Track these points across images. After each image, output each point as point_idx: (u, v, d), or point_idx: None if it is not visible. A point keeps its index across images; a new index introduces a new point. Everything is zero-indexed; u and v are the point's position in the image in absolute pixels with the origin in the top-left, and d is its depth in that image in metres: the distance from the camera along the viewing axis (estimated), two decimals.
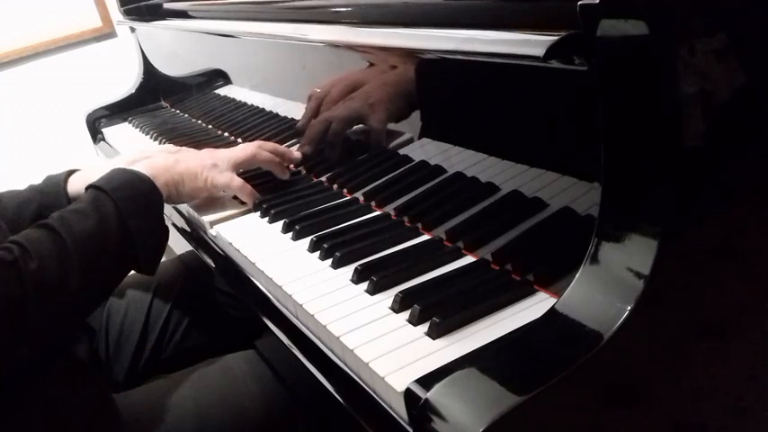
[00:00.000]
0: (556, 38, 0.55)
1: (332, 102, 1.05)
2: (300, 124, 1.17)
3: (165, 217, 0.94)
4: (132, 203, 0.87)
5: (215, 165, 1.03)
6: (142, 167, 0.95)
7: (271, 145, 1.12)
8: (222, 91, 1.54)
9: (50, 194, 1.10)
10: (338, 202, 1.01)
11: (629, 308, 0.53)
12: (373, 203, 0.97)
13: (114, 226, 0.84)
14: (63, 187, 1.11)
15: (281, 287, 0.81)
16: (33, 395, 0.80)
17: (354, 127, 1.01)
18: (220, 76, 1.52)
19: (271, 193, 1.09)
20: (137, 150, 1.24)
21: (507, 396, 0.52)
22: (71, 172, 1.15)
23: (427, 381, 0.57)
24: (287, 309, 0.82)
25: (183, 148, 1.22)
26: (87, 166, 1.21)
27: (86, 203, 0.86)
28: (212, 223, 1.04)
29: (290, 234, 0.94)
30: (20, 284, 0.73)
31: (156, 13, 1.76)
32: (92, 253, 0.81)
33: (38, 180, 1.14)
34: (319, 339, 0.74)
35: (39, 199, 1.10)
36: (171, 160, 1.01)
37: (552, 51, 0.55)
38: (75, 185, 1.12)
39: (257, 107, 1.37)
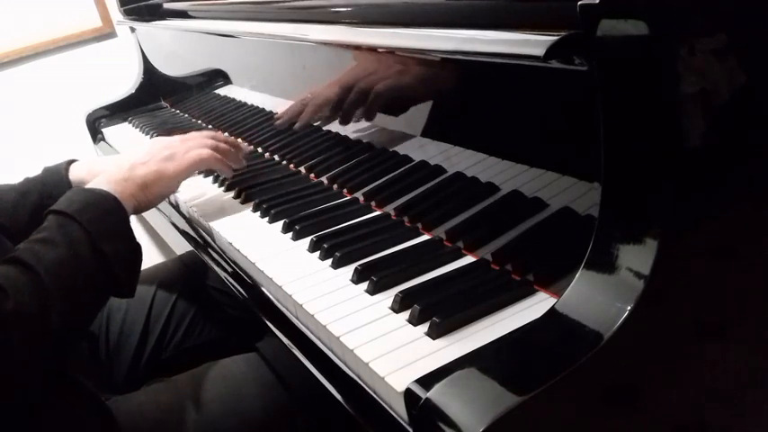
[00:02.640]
0: (556, 38, 0.55)
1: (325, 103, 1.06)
2: (281, 122, 1.19)
3: (165, 214, 0.91)
4: (101, 224, 0.82)
5: (171, 156, 0.99)
6: (100, 184, 0.90)
7: (222, 137, 1.10)
8: (222, 91, 1.54)
9: (52, 184, 1.10)
10: (338, 202, 1.01)
11: (629, 308, 0.53)
12: (373, 203, 0.97)
13: (87, 251, 0.79)
14: (65, 175, 1.11)
15: (280, 287, 0.81)
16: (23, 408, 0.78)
17: (356, 125, 1.01)
18: (220, 76, 1.52)
19: (271, 193, 1.09)
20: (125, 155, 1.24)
21: (507, 396, 0.52)
22: (71, 161, 1.15)
23: (427, 381, 0.57)
24: (287, 309, 0.82)
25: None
26: (93, 159, 1.21)
27: (52, 231, 0.80)
28: (211, 222, 1.04)
29: (290, 234, 0.94)
30: None
31: (156, 13, 1.76)
32: (68, 282, 0.76)
33: None
34: (319, 339, 0.74)
35: (39, 189, 1.09)
36: (126, 168, 0.95)
37: (552, 51, 0.55)
38: (78, 174, 1.12)
39: (257, 107, 1.37)
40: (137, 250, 0.87)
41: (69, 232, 0.79)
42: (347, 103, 0.98)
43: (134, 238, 0.87)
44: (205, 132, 1.12)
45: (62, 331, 0.76)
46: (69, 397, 0.85)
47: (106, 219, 0.84)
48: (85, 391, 0.88)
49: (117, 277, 0.82)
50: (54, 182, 1.10)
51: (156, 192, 0.96)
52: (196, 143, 1.04)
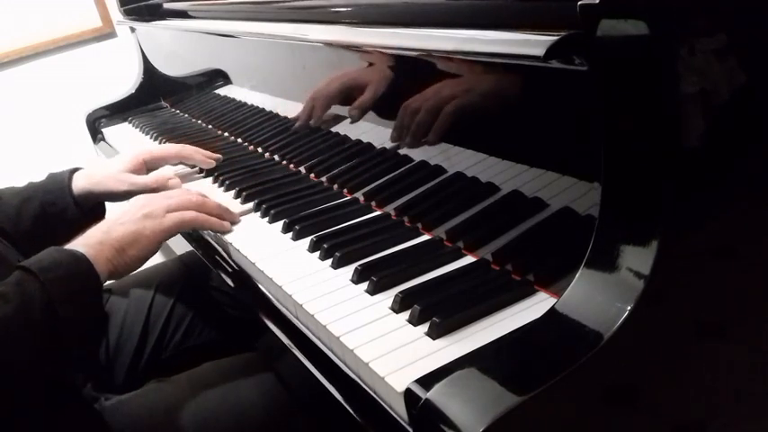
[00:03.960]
0: (556, 38, 0.55)
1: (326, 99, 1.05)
2: (299, 124, 1.18)
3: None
4: (64, 286, 0.76)
5: (149, 214, 0.91)
6: (77, 245, 0.84)
7: (211, 203, 1.01)
8: (222, 91, 1.54)
9: (54, 192, 1.10)
10: (338, 202, 1.01)
11: (629, 308, 0.53)
12: (373, 203, 0.97)
13: (38, 312, 0.74)
14: (67, 184, 1.11)
15: (281, 287, 0.81)
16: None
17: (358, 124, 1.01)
18: (220, 76, 1.52)
19: (271, 193, 1.09)
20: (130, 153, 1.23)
21: (507, 396, 0.52)
22: (75, 170, 1.15)
23: (427, 381, 0.57)
24: (287, 309, 0.82)
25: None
26: (91, 165, 1.21)
27: (9, 286, 0.75)
28: None
29: (290, 234, 0.94)
30: None
31: (156, 13, 1.76)
32: (9, 341, 0.72)
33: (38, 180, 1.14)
34: (319, 340, 0.74)
35: (41, 197, 1.09)
36: (102, 230, 0.88)
37: (552, 51, 0.55)
38: (79, 182, 1.12)
39: (257, 107, 1.37)
40: (99, 320, 0.82)
41: (26, 290, 0.75)
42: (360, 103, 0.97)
43: (101, 307, 0.82)
44: (194, 192, 1.02)
45: None
46: (57, 403, 0.84)
47: (72, 281, 0.78)
48: (75, 394, 0.87)
49: (65, 345, 0.77)
50: (56, 190, 1.10)
51: (133, 255, 0.88)
52: (178, 202, 0.96)
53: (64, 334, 0.76)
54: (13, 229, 1.06)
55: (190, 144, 1.33)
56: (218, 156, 1.29)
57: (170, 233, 0.94)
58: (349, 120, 1.02)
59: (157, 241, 0.92)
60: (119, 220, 0.91)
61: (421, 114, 0.84)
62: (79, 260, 0.81)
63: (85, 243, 0.85)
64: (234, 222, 1.02)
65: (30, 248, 0.81)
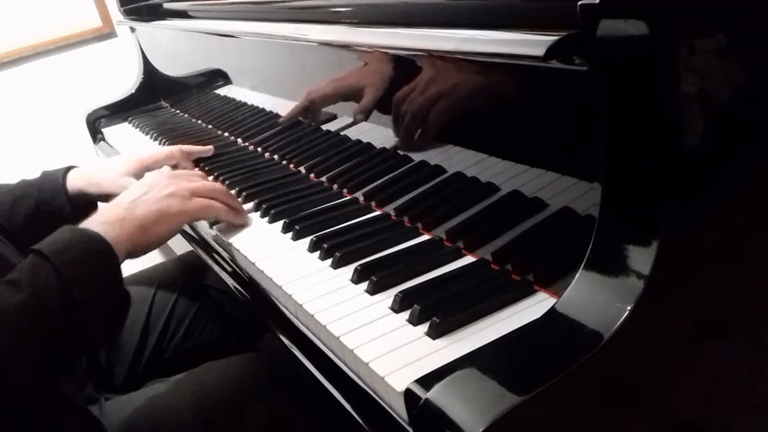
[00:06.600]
0: (556, 38, 0.55)
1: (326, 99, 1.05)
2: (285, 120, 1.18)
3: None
4: (79, 268, 0.73)
5: (174, 193, 0.88)
6: (92, 224, 0.80)
7: (231, 199, 1.00)
8: (222, 91, 1.54)
9: (48, 191, 1.09)
10: (338, 202, 1.01)
11: (629, 308, 0.53)
12: (373, 203, 0.97)
13: (54, 297, 0.70)
14: (62, 183, 1.10)
15: (280, 287, 0.81)
16: None
17: (358, 125, 1.01)
18: (220, 76, 1.52)
19: (271, 192, 1.09)
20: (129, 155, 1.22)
21: (507, 396, 0.52)
22: (69, 168, 1.14)
23: (427, 381, 0.57)
24: (287, 309, 0.82)
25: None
26: (89, 165, 1.20)
27: (22, 272, 0.73)
28: (212, 223, 1.04)
29: (290, 234, 0.94)
30: None
31: (156, 13, 1.76)
32: (21, 332, 0.69)
33: None
34: (319, 339, 0.74)
35: (36, 195, 1.08)
36: (124, 206, 0.85)
37: (552, 51, 0.55)
38: (74, 182, 1.11)
39: (257, 107, 1.37)
40: (121, 299, 0.79)
41: (39, 275, 0.72)
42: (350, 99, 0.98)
43: (121, 285, 0.78)
44: (215, 184, 1.02)
45: (9, 380, 0.70)
46: (51, 407, 0.83)
47: (87, 263, 0.75)
48: (67, 400, 0.87)
49: (84, 328, 0.73)
50: (51, 189, 1.09)
51: (156, 232, 0.85)
52: (203, 188, 0.94)
53: (83, 319, 0.73)
54: (8, 225, 1.05)
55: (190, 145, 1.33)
56: (210, 147, 1.31)
57: (194, 218, 0.92)
58: (348, 119, 1.02)
59: (181, 222, 0.90)
60: (141, 197, 0.87)
61: (420, 114, 0.84)
62: (94, 240, 0.77)
63: (104, 221, 0.82)
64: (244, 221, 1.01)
65: (22, 246, 0.80)
